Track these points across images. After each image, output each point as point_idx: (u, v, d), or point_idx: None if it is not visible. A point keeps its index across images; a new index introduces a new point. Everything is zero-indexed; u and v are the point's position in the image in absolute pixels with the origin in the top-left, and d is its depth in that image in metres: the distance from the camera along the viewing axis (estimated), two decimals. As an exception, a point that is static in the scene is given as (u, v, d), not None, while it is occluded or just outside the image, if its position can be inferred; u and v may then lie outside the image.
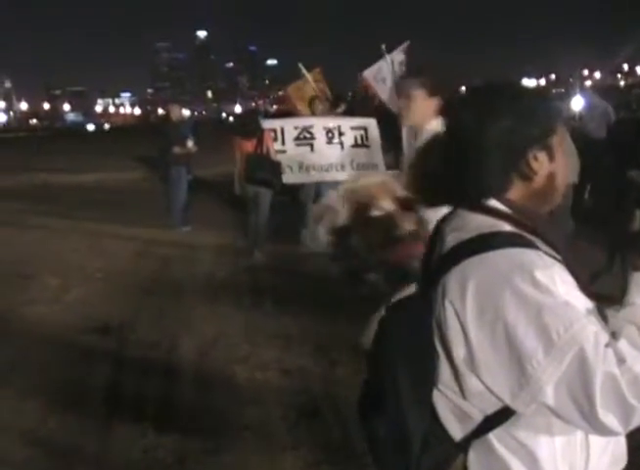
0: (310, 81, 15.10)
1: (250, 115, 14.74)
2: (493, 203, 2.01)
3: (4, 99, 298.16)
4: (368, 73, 14.87)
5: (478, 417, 1.95)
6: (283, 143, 12.72)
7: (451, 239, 2.00)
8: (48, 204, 18.54)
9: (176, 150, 14.13)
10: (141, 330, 8.00)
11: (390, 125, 14.25)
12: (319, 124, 13.11)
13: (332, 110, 14.60)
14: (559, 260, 1.91)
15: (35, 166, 30.60)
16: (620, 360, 1.74)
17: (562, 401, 1.77)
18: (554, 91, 27.14)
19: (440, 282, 1.94)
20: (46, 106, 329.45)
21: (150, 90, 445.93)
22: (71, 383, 6.62)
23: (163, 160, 14.64)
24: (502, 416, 1.91)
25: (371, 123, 13.64)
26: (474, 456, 1.97)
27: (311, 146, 12.91)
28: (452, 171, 2.07)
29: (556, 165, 2.03)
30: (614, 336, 1.82)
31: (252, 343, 7.34)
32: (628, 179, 1.80)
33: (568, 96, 22.58)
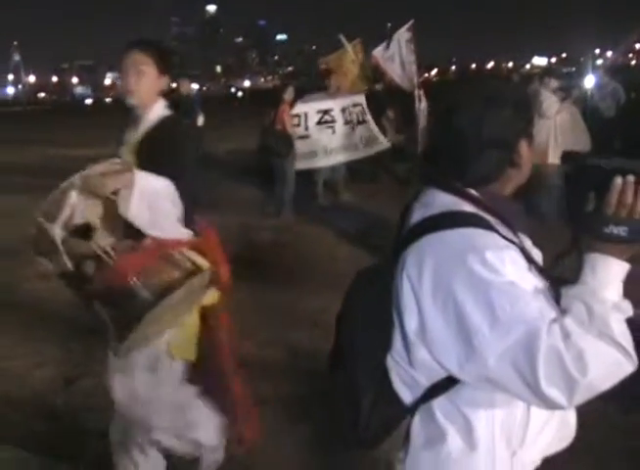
0: (350, 52, 15.12)
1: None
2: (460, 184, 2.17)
3: (12, 72, 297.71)
4: (377, 53, 14.97)
5: (424, 384, 2.12)
6: (306, 128, 12.90)
7: (417, 215, 2.17)
8: (53, 178, 18.46)
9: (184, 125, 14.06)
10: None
11: (403, 103, 14.28)
12: (337, 106, 13.26)
13: (371, 85, 14.84)
14: (514, 243, 2.05)
15: (41, 139, 30.58)
16: (566, 336, 1.86)
17: (506, 374, 1.90)
18: (564, 70, 26.96)
19: (402, 255, 2.11)
20: (54, 79, 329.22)
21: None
22: (78, 356, 6.64)
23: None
24: (446, 385, 2.08)
25: (361, 98, 13.87)
26: (417, 420, 2.17)
27: (332, 129, 13.09)
28: (439, 158, 2.22)
29: (532, 151, 2.21)
30: (563, 313, 1.95)
31: (261, 318, 7.33)
32: (586, 164, 1.79)
33: (579, 75, 22.50)
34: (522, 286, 1.94)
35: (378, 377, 2.17)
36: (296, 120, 12.81)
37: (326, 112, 13.16)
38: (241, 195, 15.05)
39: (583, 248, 2.02)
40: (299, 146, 12.66)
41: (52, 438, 5.21)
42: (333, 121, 13.17)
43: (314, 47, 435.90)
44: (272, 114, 12.63)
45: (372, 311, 2.19)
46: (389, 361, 2.18)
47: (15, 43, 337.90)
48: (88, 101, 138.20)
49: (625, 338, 1.90)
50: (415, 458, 2.19)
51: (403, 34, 14.90)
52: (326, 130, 13.10)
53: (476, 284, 1.93)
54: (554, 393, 1.86)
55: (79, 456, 4.94)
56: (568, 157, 2.35)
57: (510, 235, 2.09)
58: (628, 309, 1.95)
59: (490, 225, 2.05)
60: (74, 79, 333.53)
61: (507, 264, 1.96)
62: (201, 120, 14.88)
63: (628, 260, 1.98)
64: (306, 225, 11.90)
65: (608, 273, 1.95)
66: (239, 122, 14.85)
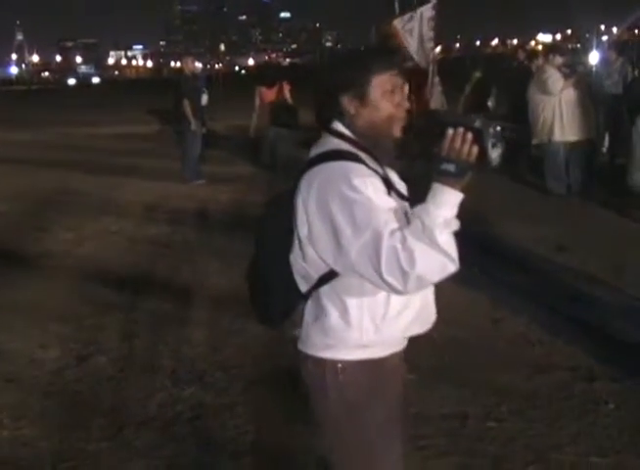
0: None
1: (265, 67, 16.84)
2: (340, 127, 2.84)
3: (16, 52, 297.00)
4: (398, 22, 15.04)
5: (314, 276, 2.79)
6: None
7: (313, 152, 2.84)
8: (62, 159, 18.52)
9: (186, 104, 14.11)
10: (155, 284, 8.03)
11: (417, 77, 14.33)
12: None
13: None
14: (378, 173, 2.73)
15: (45, 120, 30.62)
16: (403, 240, 2.49)
17: (363, 264, 2.56)
18: (570, 46, 26.94)
19: (300, 181, 2.76)
20: (58, 58, 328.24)
21: (162, 43, 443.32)
22: (87, 336, 6.67)
23: (177, 113, 14.64)
24: (329, 277, 2.75)
25: None
26: (309, 304, 2.85)
27: None
28: (323, 109, 2.93)
29: (370, 109, 2.80)
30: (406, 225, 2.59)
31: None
32: (435, 118, 2.51)
33: (584, 51, 22.42)
34: (376, 203, 2.59)
35: (285, 272, 2.87)
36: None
37: None
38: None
39: (432, 179, 2.60)
40: None
41: (67, 417, 5.26)
42: None
43: (318, 24, 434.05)
44: (276, 90, 13.55)
45: (280, 224, 2.85)
46: (291, 260, 2.86)
47: (18, 22, 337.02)
48: (95, 80, 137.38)
49: (450, 246, 2.53)
50: (307, 331, 2.88)
51: (427, 11, 14.96)
52: None
53: (343, 201, 2.59)
54: (392, 280, 2.52)
55: (93, 434, 4.99)
56: (424, 112, 2.74)
57: (376, 167, 2.76)
58: (456, 225, 2.56)
59: (361, 159, 2.73)
60: (78, 58, 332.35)
61: (368, 187, 2.61)
62: (205, 100, 14.88)
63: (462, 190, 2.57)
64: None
65: (442, 198, 2.54)
66: (241, 100, 14.96)
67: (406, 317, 2.82)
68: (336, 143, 2.80)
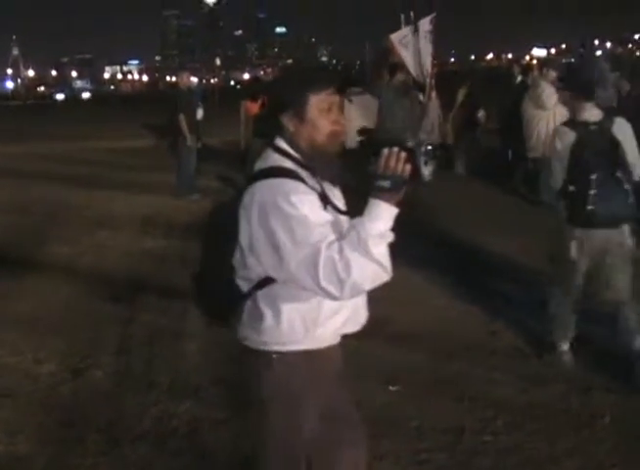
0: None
1: (254, 82, 17.69)
2: (282, 144, 3.06)
3: (11, 66, 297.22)
4: (394, 37, 15.12)
5: (254, 280, 3.05)
6: None
7: (257, 167, 3.07)
8: (58, 173, 18.53)
9: (181, 118, 14.15)
10: (151, 297, 8.02)
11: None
12: None
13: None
14: (315, 189, 2.94)
15: (38, 135, 30.62)
16: (340, 250, 2.73)
17: (301, 275, 2.80)
18: (563, 61, 27.10)
19: (243, 195, 3.01)
20: (53, 73, 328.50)
21: (158, 58, 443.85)
22: (83, 350, 6.66)
23: (173, 127, 14.66)
24: (266, 282, 3.01)
25: None
26: (248, 304, 3.12)
27: None
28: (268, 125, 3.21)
29: (308, 126, 3.00)
30: (343, 236, 2.80)
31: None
32: (371, 138, 3.00)
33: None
34: (312, 219, 2.81)
35: (228, 274, 3.13)
36: None
37: None
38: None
39: (369, 195, 2.81)
40: None
41: (62, 432, 5.25)
42: None
43: (313, 39, 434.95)
44: (260, 103, 13.91)
45: (224, 230, 3.16)
46: (234, 263, 3.11)
47: (14, 37, 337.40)
48: (86, 95, 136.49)
49: (383, 256, 2.77)
50: (244, 329, 3.17)
51: (425, 24, 15.01)
52: None
53: (283, 217, 2.82)
54: (330, 288, 2.76)
55: (89, 449, 4.98)
56: (363, 131, 2.91)
57: (314, 184, 2.97)
58: (390, 237, 2.79)
59: (299, 177, 2.93)
60: (74, 73, 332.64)
61: (305, 204, 2.83)
62: (200, 114, 14.89)
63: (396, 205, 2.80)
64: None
65: (377, 212, 2.76)
66: (236, 114, 15.06)
67: (337, 320, 3.10)
68: (277, 159, 3.03)
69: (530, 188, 12.54)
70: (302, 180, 2.93)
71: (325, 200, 2.96)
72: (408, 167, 2.76)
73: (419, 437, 4.94)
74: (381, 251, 2.75)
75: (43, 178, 17.17)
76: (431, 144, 3.00)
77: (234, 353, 6.12)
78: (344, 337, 3.27)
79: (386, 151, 2.76)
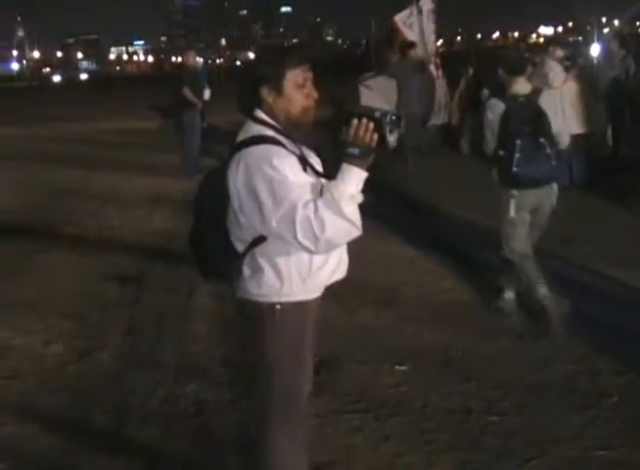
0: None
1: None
2: (261, 115, 3.34)
3: (17, 48, 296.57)
4: (398, 18, 15.06)
5: (248, 239, 3.31)
6: None
7: (239, 137, 3.36)
8: (62, 154, 18.50)
9: (187, 92, 14.10)
10: (158, 277, 8.03)
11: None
12: None
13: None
14: (295, 153, 3.24)
15: (49, 116, 30.55)
16: (315, 209, 3.02)
17: (282, 231, 3.11)
18: (571, 39, 26.89)
19: (229, 162, 3.28)
20: (59, 54, 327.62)
21: (163, 38, 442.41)
22: (90, 331, 6.67)
23: (178, 106, 14.62)
24: (260, 240, 3.28)
25: None
26: (246, 261, 3.36)
27: None
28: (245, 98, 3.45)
29: (284, 99, 3.30)
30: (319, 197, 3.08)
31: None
32: (341, 108, 3.14)
33: (585, 44, 22.33)
34: (292, 180, 3.10)
35: (222, 235, 3.36)
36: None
37: None
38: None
39: (342, 161, 3.09)
40: None
41: (69, 413, 5.26)
42: None
43: (319, 19, 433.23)
44: None
45: (214, 195, 3.37)
46: (228, 225, 3.35)
47: (19, 18, 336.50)
48: (83, 76, 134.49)
49: (354, 215, 3.05)
50: (244, 283, 3.40)
51: (427, 3, 14.93)
52: None
53: (265, 178, 3.11)
54: (306, 243, 3.06)
55: (95, 430, 5.01)
56: (332, 101, 3.08)
57: (294, 148, 3.28)
58: (360, 198, 3.08)
59: (280, 142, 3.23)
60: (79, 54, 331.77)
61: (285, 167, 3.12)
62: (207, 94, 14.86)
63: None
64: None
65: (349, 176, 3.06)
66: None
67: (326, 270, 3.39)
68: (258, 129, 3.32)
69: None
70: (283, 145, 3.24)
71: (304, 163, 3.28)
72: (375, 136, 3.06)
73: (425, 417, 4.94)
74: (352, 210, 3.05)
75: (48, 160, 17.12)
76: (394, 114, 3.09)
77: (240, 335, 6.15)
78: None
79: (355, 122, 3.06)
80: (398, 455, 4.53)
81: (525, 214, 6.53)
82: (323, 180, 3.26)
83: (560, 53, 11.70)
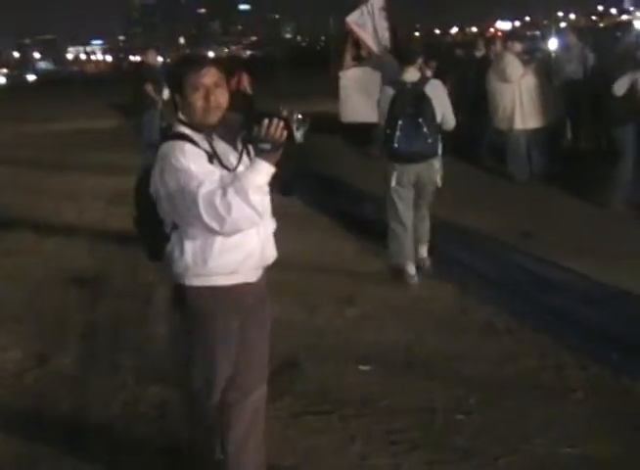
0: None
1: (229, 59, 18.22)
2: (180, 115, 3.72)
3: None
4: (350, 19, 15.01)
5: (169, 224, 3.69)
6: None
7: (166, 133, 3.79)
8: (23, 154, 18.27)
9: (148, 88, 14.03)
10: (117, 280, 7.91)
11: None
12: None
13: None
14: (204, 149, 3.58)
15: (7, 116, 30.19)
16: (223, 194, 3.36)
17: (191, 216, 3.46)
18: (528, 33, 27.19)
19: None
20: (16, 55, 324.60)
21: (122, 37, 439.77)
22: (48, 336, 6.54)
23: (138, 105, 14.52)
24: (175, 225, 3.66)
25: None
26: (169, 245, 3.72)
27: None
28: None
29: (187, 102, 3.64)
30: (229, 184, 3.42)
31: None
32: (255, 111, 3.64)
33: (543, 38, 22.45)
34: (195, 170, 3.45)
35: (155, 219, 3.72)
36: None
37: None
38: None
39: (255, 155, 3.45)
40: None
41: (28, 419, 5.17)
42: None
43: (277, 16, 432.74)
44: (235, 80, 13.48)
45: (147, 185, 3.69)
46: (158, 210, 3.69)
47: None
48: (31, 77, 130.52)
49: (259, 204, 3.39)
50: (167, 266, 3.77)
51: (377, 1, 14.88)
52: None
53: (173, 170, 3.49)
54: (213, 224, 3.40)
55: (55, 437, 4.90)
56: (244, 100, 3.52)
57: (204, 144, 3.60)
58: (266, 190, 3.46)
59: (190, 139, 3.58)
60: (36, 54, 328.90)
61: (190, 160, 3.48)
62: (166, 93, 14.72)
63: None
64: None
65: (258, 168, 3.40)
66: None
67: (232, 257, 3.65)
68: (177, 127, 3.71)
69: (497, 160, 12.56)
70: (193, 142, 3.59)
71: (211, 157, 3.60)
72: (284, 133, 3.39)
73: (390, 417, 4.89)
74: (257, 199, 3.39)
75: (7, 162, 16.85)
76: (301, 113, 3.32)
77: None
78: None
79: (266, 120, 3.37)
80: (364, 457, 4.49)
81: (405, 187, 7.50)
82: (227, 173, 3.57)
83: (518, 47, 11.73)
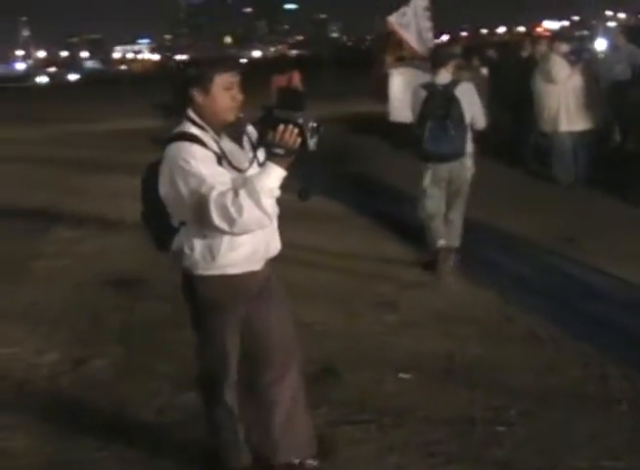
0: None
1: (282, 57, 19.90)
2: (191, 114, 3.79)
3: (22, 48, 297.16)
4: (393, 19, 14.97)
5: (177, 221, 3.81)
6: None
7: (173, 131, 3.81)
8: (62, 157, 18.35)
9: None
10: (156, 283, 7.87)
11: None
12: None
13: None
14: (213, 150, 3.67)
15: (53, 116, 30.44)
16: (235, 197, 3.46)
17: (203, 216, 3.55)
18: (577, 33, 26.82)
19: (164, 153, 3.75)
20: (64, 54, 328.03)
21: (168, 36, 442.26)
22: (84, 339, 6.54)
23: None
24: (183, 223, 3.78)
25: None
26: (177, 239, 3.84)
27: None
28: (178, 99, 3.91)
29: (211, 99, 3.74)
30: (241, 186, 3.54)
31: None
32: (269, 114, 3.71)
33: (591, 38, 22.13)
34: (204, 172, 3.55)
35: (163, 214, 3.82)
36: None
37: None
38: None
39: (267, 159, 3.57)
40: None
41: (62, 424, 5.14)
42: None
43: (324, 16, 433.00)
44: (287, 77, 14.34)
45: (154, 186, 3.77)
46: (167, 208, 3.80)
47: (24, 19, 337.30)
48: (73, 77, 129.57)
49: (270, 207, 3.53)
50: (177, 257, 3.91)
51: (421, 1, 14.79)
52: None
53: (182, 172, 3.59)
54: (223, 225, 3.52)
55: (89, 442, 4.87)
56: (262, 107, 3.69)
57: (213, 145, 3.70)
58: (277, 193, 3.56)
59: (200, 140, 3.66)
60: (84, 53, 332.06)
61: (199, 162, 3.57)
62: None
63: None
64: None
65: (271, 172, 3.53)
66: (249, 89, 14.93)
67: (239, 253, 3.80)
68: (186, 126, 3.78)
69: (542, 164, 12.38)
70: (202, 143, 3.67)
71: (220, 158, 3.69)
72: (298, 140, 3.51)
73: (429, 427, 4.79)
74: (269, 202, 3.53)
75: (49, 163, 16.93)
76: (315, 121, 3.35)
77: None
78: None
79: (282, 126, 3.50)
80: (402, 468, 4.40)
81: (437, 186, 7.86)
82: (238, 174, 3.69)
83: (565, 48, 11.55)
